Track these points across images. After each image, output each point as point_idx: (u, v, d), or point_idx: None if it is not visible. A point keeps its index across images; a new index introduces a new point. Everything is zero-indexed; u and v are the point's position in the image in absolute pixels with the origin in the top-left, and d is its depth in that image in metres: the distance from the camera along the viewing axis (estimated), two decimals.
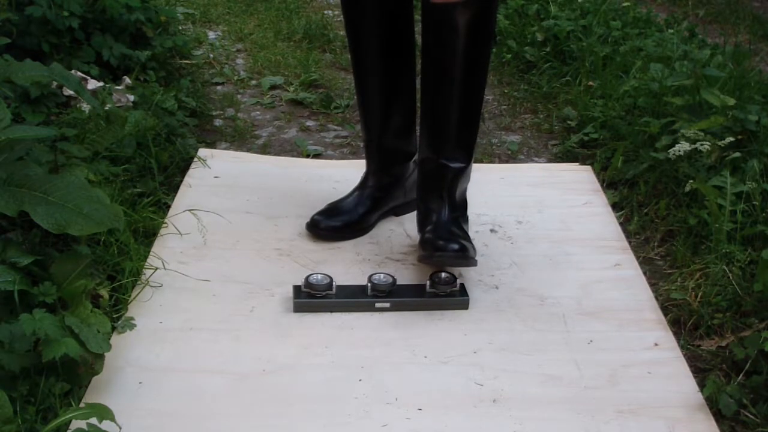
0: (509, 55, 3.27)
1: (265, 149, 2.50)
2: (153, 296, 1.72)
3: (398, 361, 1.58)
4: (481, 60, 1.75)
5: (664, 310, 1.77)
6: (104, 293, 1.63)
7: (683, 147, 2.13)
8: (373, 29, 1.84)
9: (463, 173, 1.83)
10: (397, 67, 1.89)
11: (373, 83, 1.91)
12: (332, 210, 1.98)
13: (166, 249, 1.88)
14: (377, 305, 1.72)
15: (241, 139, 2.57)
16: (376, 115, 1.94)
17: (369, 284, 1.73)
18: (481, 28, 1.70)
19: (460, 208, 1.85)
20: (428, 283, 1.74)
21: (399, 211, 2.07)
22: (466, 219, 1.88)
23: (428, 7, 1.68)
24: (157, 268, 1.78)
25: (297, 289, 1.73)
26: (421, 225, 1.85)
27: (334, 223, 1.96)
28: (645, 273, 1.90)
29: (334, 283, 1.73)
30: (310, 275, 1.73)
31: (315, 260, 1.89)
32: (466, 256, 1.72)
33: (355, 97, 1.98)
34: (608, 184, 2.31)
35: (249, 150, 2.48)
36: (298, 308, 1.71)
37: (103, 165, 2.00)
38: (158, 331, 1.63)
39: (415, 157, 1.98)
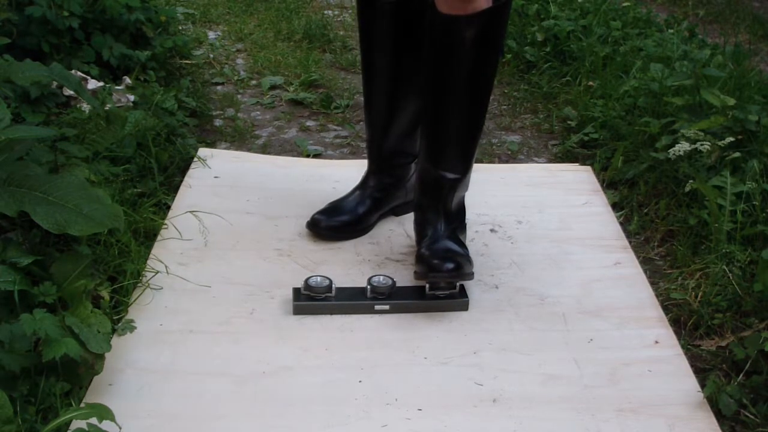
0: (509, 55, 3.27)
1: (265, 149, 2.50)
2: (153, 298, 1.72)
3: (398, 362, 1.58)
4: (486, 73, 1.71)
5: (664, 309, 1.77)
6: (105, 294, 1.63)
7: (683, 147, 2.13)
8: (386, 29, 1.83)
9: (460, 184, 1.82)
10: (406, 69, 1.87)
11: (381, 83, 1.90)
12: (333, 209, 1.98)
13: (166, 250, 1.88)
14: (377, 307, 1.72)
15: (241, 139, 2.57)
16: (381, 115, 1.93)
17: (368, 286, 1.73)
18: (488, 42, 1.66)
19: (456, 219, 1.84)
20: (428, 285, 1.74)
21: (399, 210, 2.07)
22: (463, 228, 1.88)
23: (434, 18, 1.66)
24: (158, 272, 1.78)
25: (296, 292, 1.73)
26: (418, 234, 1.84)
27: (334, 223, 1.96)
28: (645, 273, 1.90)
29: (333, 286, 1.72)
30: (310, 277, 1.73)
31: (315, 261, 1.89)
32: (460, 273, 1.71)
33: (362, 96, 1.97)
34: (608, 184, 2.31)
35: (249, 150, 2.48)
36: (298, 311, 1.71)
37: (103, 165, 2.00)
38: (158, 333, 1.63)
39: (417, 158, 1.98)
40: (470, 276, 1.75)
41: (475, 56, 1.67)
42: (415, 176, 1.89)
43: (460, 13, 1.60)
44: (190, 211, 2.00)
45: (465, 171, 1.81)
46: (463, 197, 1.88)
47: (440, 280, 1.71)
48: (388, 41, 1.85)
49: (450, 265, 1.70)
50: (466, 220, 1.92)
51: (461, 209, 1.88)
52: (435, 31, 1.68)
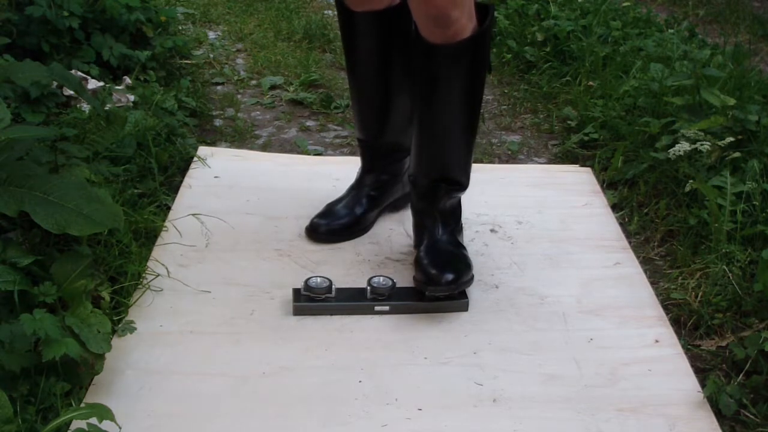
0: (509, 55, 3.27)
1: (265, 149, 2.50)
2: (153, 300, 1.72)
3: (398, 363, 1.58)
4: (475, 90, 1.69)
5: (665, 309, 1.77)
6: (105, 295, 1.63)
7: (683, 147, 2.13)
8: (369, 38, 1.81)
9: (457, 192, 1.81)
10: (394, 71, 1.85)
11: (371, 87, 1.89)
12: (330, 212, 1.97)
13: (166, 252, 1.88)
14: (376, 308, 1.72)
15: (241, 139, 2.57)
16: (373, 116, 1.92)
17: (368, 287, 1.73)
18: (474, 65, 1.64)
19: (453, 220, 1.83)
20: None
21: (399, 204, 2.06)
22: (460, 228, 1.87)
23: (418, 44, 1.62)
24: (159, 275, 1.78)
25: (296, 293, 1.72)
26: (416, 236, 1.84)
27: (334, 227, 1.95)
28: (645, 273, 1.90)
29: (333, 286, 1.72)
30: (310, 278, 1.73)
31: (315, 261, 1.89)
32: (459, 283, 1.71)
33: (350, 101, 1.95)
34: (608, 185, 2.31)
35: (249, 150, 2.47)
36: (298, 312, 1.71)
37: (103, 165, 1.99)
38: (159, 334, 1.63)
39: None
40: (469, 282, 1.75)
41: (462, 79, 1.65)
42: (410, 182, 1.87)
43: (443, 42, 1.58)
44: (190, 213, 2.00)
45: (461, 180, 1.80)
46: (460, 198, 1.88)
47: (439, 293, 1.71)
48: (372, 49, 1.83)
49: (449, 276, 1.69)
50: (467, 221, 1.91)
51: (458, 210, 1.87)
52: (419, 57, 1.65)
